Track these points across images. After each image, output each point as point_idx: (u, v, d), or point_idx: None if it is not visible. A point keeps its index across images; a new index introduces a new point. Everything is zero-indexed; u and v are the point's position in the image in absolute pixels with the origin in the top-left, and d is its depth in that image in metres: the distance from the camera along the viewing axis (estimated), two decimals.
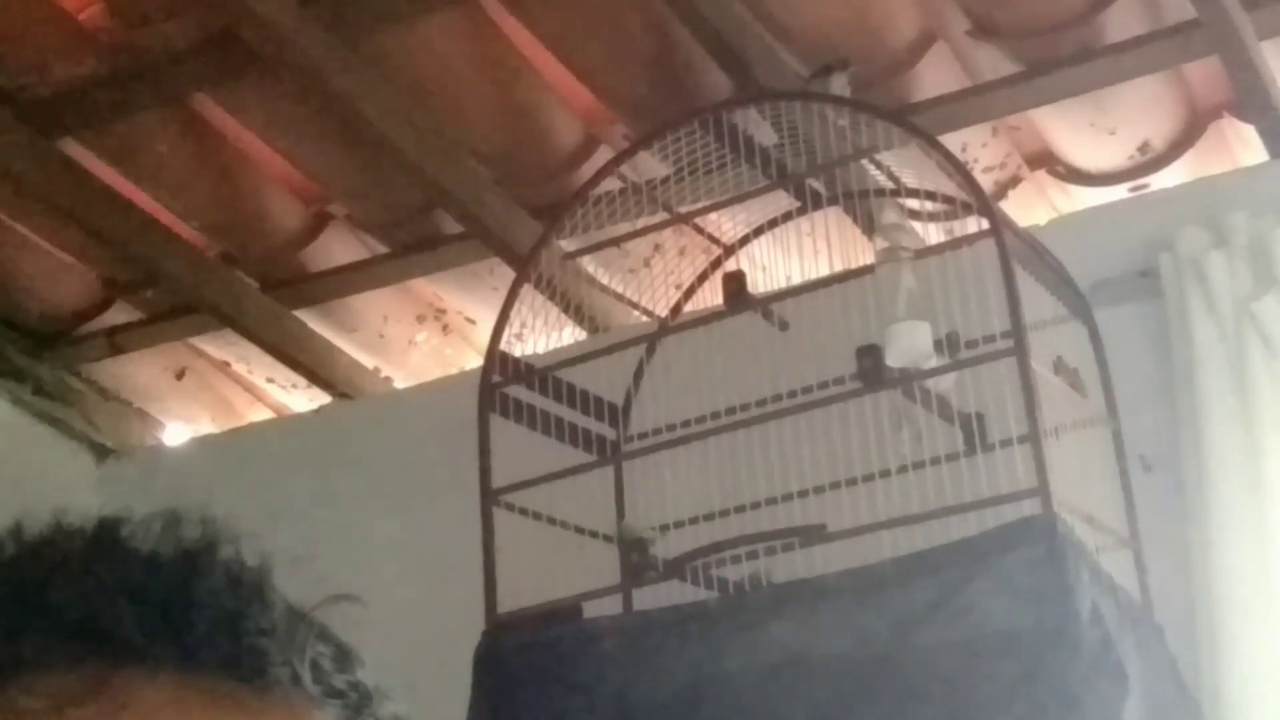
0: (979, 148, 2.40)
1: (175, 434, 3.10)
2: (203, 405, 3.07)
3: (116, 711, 0.57)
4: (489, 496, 2.03)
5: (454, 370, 2.84)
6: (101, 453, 3.04)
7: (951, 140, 2.20)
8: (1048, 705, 1.62)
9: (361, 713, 0.64)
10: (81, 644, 0.58)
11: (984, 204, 1.89)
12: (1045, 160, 2.43)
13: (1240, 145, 2.34)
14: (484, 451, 2.04)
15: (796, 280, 2.17)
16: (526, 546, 2.03)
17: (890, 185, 2.10)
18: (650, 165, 2.25)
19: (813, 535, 1.86)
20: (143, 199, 2.64)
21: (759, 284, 2.19)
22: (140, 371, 3.03)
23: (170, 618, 0.59)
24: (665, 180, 2.20)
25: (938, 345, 1.87)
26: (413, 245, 2.66)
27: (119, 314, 2.91)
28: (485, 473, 2.04)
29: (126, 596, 0.59)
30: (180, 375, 3.04)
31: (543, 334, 2.20)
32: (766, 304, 2.04)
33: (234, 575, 0.62)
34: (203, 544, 0.62)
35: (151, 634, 0.59)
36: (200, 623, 0.60)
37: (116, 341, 2.91)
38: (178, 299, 2.80)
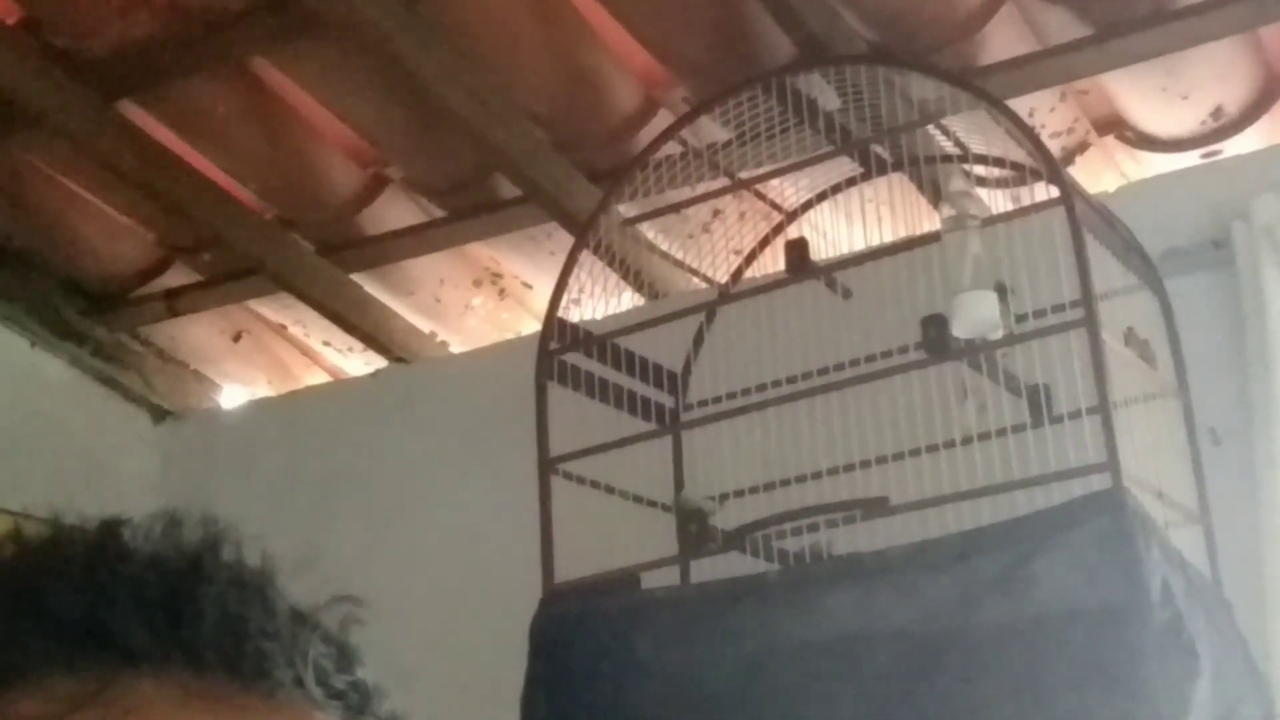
0: (1046, 112, 2.35)
1: (232, 396, 3.10)
2: (259, 368, 3.08)
3: (120, 715, 0.57)
4: (546, 465, 2.02)
5: (510, 335, 2.82)
6: (159, 414, 3.05)
7: (1018, 105, 2.15)
8: (1116, 684, 1.58)
9: (363, 713, 0.64)
10: (85, 647, 0.58)
11: (1054, 171, 1.85)
12: (1114, 125, 2.38)
13: None
14: (542, 420, 2.03)
15: (859, 247, 2.13)
16: (584, 515, 2.02)
17: (957, 151, 2.06)
18: (711, 129, 2.22)
19: (875, 508, 1.83)
20: (200, 161, 2.63)
21: (820, 251, 2.16)
22: (197, 334, 3.03)
23: (174, 621, 0.59)
24: (726, 145, 2.17)
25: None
26: (470, 209, 2.64)
27: (176, 276, 2.92)
28: (543, 441, 2.02)
29: (129, 600, 0.59)
30: (237, 338, 3.04)
31: (601, 300, 2.17)
32: (829, 272, 2.01)
33: (236, 578, 0.62)
34: (205, 546, 0.62)
35: (155, 637, 0.59)
36: (204, 626, 0.59)
37: (174, 304, 2.92)
38: (235, 262, 2.80)
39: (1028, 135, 1.89)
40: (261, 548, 0.63)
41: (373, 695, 0.64)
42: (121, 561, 0.60)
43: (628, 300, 2.44)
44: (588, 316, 2.16)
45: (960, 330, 1.83)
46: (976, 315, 1.82)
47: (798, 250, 1.97)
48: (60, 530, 0.62)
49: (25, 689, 0.57)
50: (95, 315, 2.94)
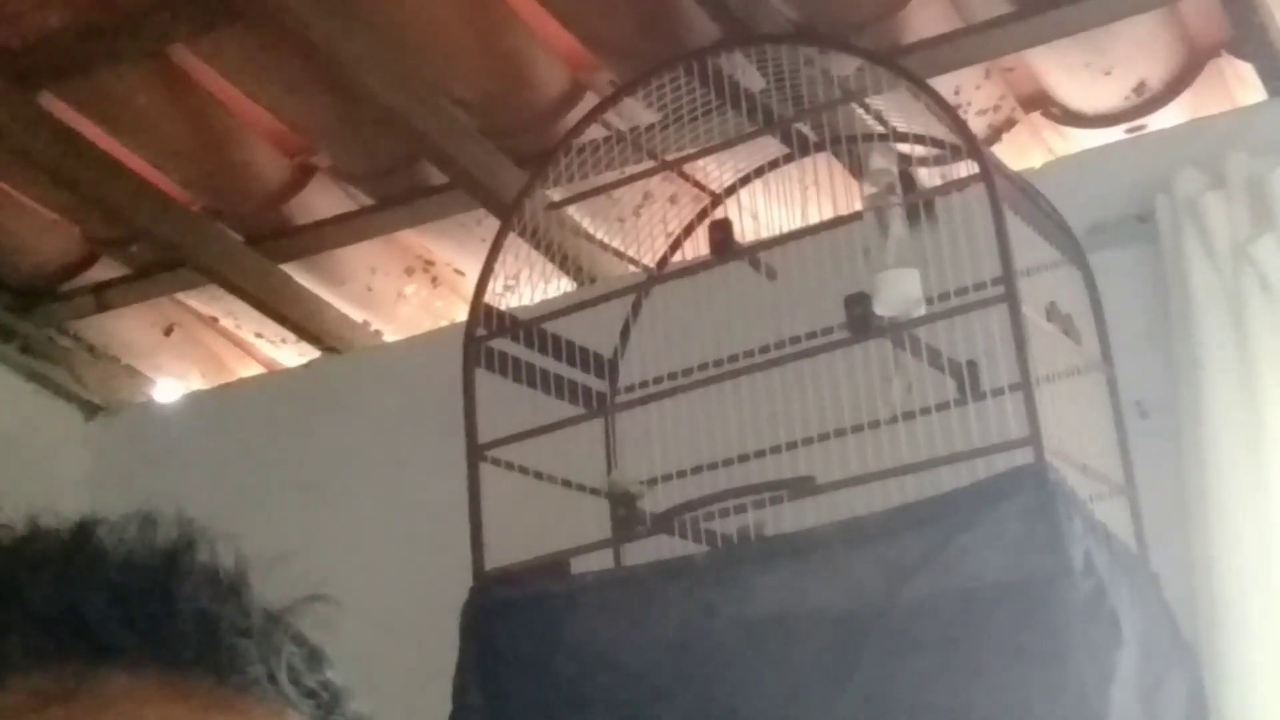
0: (972, 90, 2.35)
1: (165, 390, 3.07)
2: (192, 361, 3.05)
3: (98, 710, 0.58)
4: (475, 452, 2.01)
5: (444, 323, 2.81)
6: (90, 410, 3.01)
7: (944, 83, 2.16)
8: (1040, 656, 1.59)
9: (333, 712, 0.65)
10: (62, 643, 0.58)
11: (974, 148, 1.85)
12: (1040, 102, 2.39)
13: (1238, 84, 2.29)
14: (470, 407, 2.02)
15: (789, 228, 2.13)
16: (514, 501, 2.01)
17: (880, 130, 2.06)
18: (637, 112, 2.21)
19: (802, 487, 1.83)
20: (124, 153, 2.60)
21: (750, 232, 2.15)
22: (128, 328, 3.00)
23: (150, 617, 0.60)
24: (652, 127, 2.16)
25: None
26: (398, 196, 2.62)
27: (105, 270, 2.88)
28: (471, 429, 2.01)
29: (106, 595, 0.59)
30: (168, 331, 3.01)
31: (529, 285, 2.16)
32: (754, 252, 2.01)
33: (212, 576, 0.62)
34: (180, 545, 0.62)
35: (132, 633, 0.59)
36: (180, 622, 0.60)
37: (103, 298, 2.88)
38: (163, 254, 2.77)
39: (947, 112, 1.89)
40: (235, 547, 0.64)
41: (342, 695, 0.65)
42: (97, 559, 0.60)
43: (557, 285, 2.44)
44: (517, 303, 2.15)
45: (883, 308, 1.83)
46: (899, 293, 1.82)
47: (721, 232, 1.97)
48: (34, 529, 0.62)
49: (3, 683, 0.58)
50: (22, 311, 2.90)
